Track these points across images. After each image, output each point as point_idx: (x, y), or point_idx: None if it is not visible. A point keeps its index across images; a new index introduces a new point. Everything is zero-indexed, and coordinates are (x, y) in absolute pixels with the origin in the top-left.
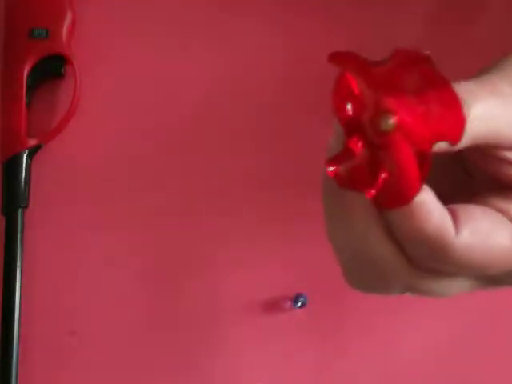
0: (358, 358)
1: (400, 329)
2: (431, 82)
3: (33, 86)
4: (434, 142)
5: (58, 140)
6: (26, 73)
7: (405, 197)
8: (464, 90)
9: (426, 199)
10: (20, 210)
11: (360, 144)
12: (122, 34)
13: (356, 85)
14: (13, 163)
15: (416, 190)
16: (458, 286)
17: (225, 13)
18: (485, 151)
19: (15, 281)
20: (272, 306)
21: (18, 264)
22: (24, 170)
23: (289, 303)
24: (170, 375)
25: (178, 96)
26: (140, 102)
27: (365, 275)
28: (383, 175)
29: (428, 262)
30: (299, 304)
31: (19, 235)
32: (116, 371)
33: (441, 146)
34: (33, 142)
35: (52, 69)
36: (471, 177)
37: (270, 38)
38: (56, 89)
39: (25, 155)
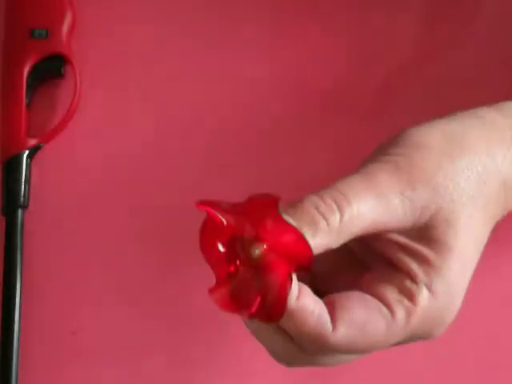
0: (358, 358)
1: None
2: (276, 219)
3: (33, 86)
4: (293, 266)
5: (57, 140)
6: (25, 73)
7: (278, 312)
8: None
9: (304, 303)
10: (20, 210)
11: (234, 270)
12: (122, 34)
13: (224, 224)
14: (13, 163)
15: (285, 306)
16: (346, 359)
17: (225, 17)
18: (372, 236)
19: (15, 281)
20: None
21: (18, 264)
22: (24, 170)
23: None
24: (170, 375)
25: (178, 96)
26: (140, 102)
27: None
28: (260, 296)
29: (313, 351)
30: None
31: (19, 235)
32: (116, 371)
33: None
34: (33, 142)
35: (52, 69)
36: (364, 253)
37: (272, 40)
38: (56, 89)
39: (25, 155)
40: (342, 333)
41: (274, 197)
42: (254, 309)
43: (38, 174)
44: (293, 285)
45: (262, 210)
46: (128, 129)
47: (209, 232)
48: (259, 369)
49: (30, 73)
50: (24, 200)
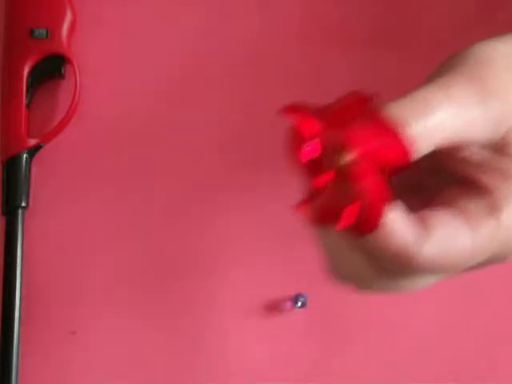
0: (358, 358)
1: (400, 329)
2: (371, 117)
3: (33, 86)
4: (388, 168)
5: (57, 140)
6: (25, 73)
7: (373, 223)
8: (408, 107)
9: (392, 219)
10: (20, 210)
11: (325, 181)
12: (122, 34)
13: (312, 129)
14: (13, 163)
15: (381, 216)
16: (423, 282)
17: None
18: (448, 151)
19: (15, 281)
20: (272, 306)
21: (18, 264)
22: (24, 170)
23: (289, 303)
24: (171, 375)
25: (178, 95)
26: (140, 102)
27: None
28: (353, 206)
29: (396, 269)
30: (299, 304)
31: (19, 235)
32: (116, 371)
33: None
34: (33, 142)
35: (52, 69)
36: (431, 177)
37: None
38: (56, 89)
39: (25, 155)
40: (431, 247)
41: (365, 96)
42: (347, 219)
43: (37, 174)
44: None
45: (352, 112)
46: (128, 128)
47: (295, 143)
48: (260, 375)
49: (30, 73)
50: (24, 200)
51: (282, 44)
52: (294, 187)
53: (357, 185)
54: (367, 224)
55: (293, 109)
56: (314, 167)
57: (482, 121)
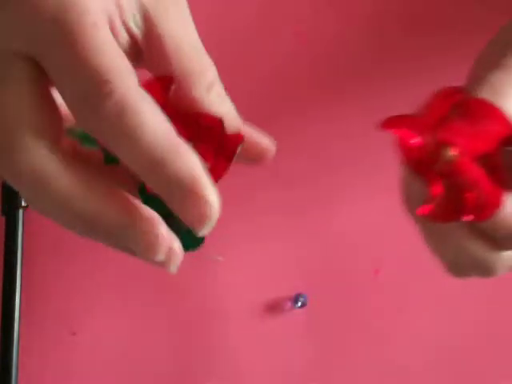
0: (358, 358)
1: (400, 328)
2: (467, 106)
3: None
4: (496, 151)
5: None
6: None
7: (493, 207)
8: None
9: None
10: (20, 210)
11: (440, 182)
12: None
13: (414, 138)
14: None
15: (499, 199)
16: None
17: None
18: None
19: (15, 281)
20: (272, 305)
21: (18, 264)
22: None
23: (289, 303)
24: (171, 375)
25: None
26: None
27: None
28: (470, 197)
29: None
30: (299, 304)
31: (19, 235)
32: (116, 371)
33: None
34: None
35: None
36: None
37: None
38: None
39: None
40: None
41: (452, 89)
42: (469, 211)
43: None
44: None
45: (445, 108)
46: None
47: (405, 156)
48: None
49: None
50: (24, 200)
51: None
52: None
53: (468, 174)
54: (488, 210)
55: (392, 123)
56: (422, 172)
57: None
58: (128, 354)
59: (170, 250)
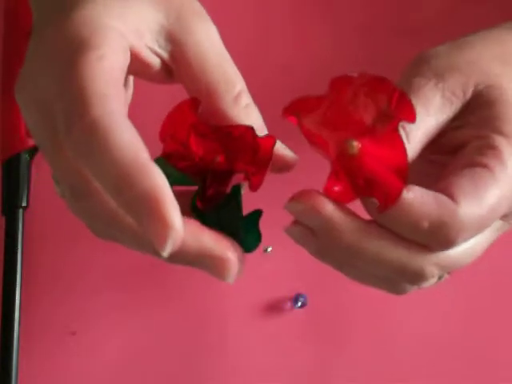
0: (358, 358)
1: (399, 328)
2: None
3: None
4: (397, 139)
5: None
6: None
7: (394, 195)
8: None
9: (417, 192)
10: (20, 210)
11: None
12: None
13: (315, 128)
14: (13, 163)
15: (401, 186)
16: (471, 250)
17: None
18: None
19: (15, 281)
20: (272, 306)
21: (18, 264)
22: (24, 170)
23: (289, 303)
24: (171, 375)
25: (177, 94)
26: (140, 101)
27: None
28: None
29: (441, 240)
30: (299, 304)
31: (19, 235)
32: (116, 371)
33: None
34: (33, 142)
35: None
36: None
37: None
38: None
39: (25, 155)
40: (464, 202)
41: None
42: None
43: (37, 174)
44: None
45: (348, 100)
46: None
47: (308, 139)
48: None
49: None
50: (24, 200)
51: None
52: (291, 187)
53: (369, 171)
54: (388, 200)
55: (294, 109)
56: (328, 154)
57: (446, 102)
58: (128, 354)
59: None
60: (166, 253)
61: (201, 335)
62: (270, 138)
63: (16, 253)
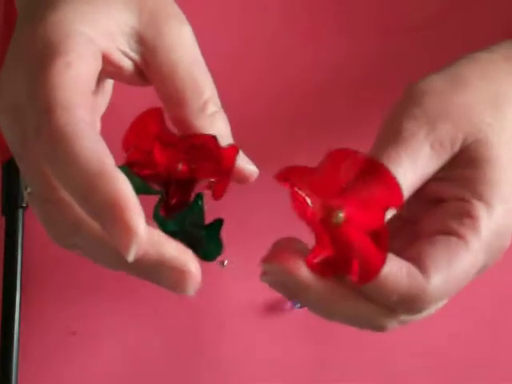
0: (358, 358)
1: (399, 329)
2: (363, 170)
3: None
4: (382, 218)
5: None
6: None
7: (373, 272)
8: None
9: (392, 265)
10: (20, 210)
11: (327, 239)
12: None
13: (304, 194)
14: (13, 163)
15: (381, 264)
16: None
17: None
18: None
19: (15, 281)
20: (272, 306)
21: (18, 264)
22: None
23: (289, 303)
24: (170, 375)
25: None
26: (140, 101)
27: None
28: (355, 261)
29: (410, 309)
30: (299, 304)
31: (19, 235)
32: (116, 372)
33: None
34: None
35: None
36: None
37: None
38: None
39: None
40: (435, 276)
41: (349, 152)
42: (353, 274)
43: None
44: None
45: (340, 171)
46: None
47: (295, 206)
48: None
49: None
50: (24, 200)
51: None
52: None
53: (353, 240)
54: (367, 276)
55: (286, 174)
56: (312, 228)
57: (434, 153)
58: (128, 354)
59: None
60: (130, 257)
61: (201, 335)
62: (233, 148)
63: (16, 253)
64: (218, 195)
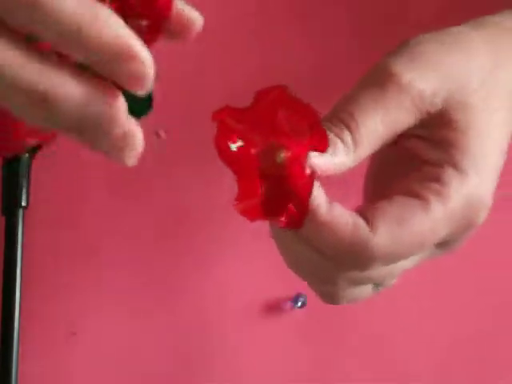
0: (358, 358)
1: (399, 328)
2: (295, 110)
3: None
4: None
5: (57, 140)
6: None
7: (301, 218)
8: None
9: (336, 214)
10: (20, 210)
11: (262, 181)
12: None
13: (239, 133)
14: (13, 163)
15: (306, 213)
16: (387, 273)
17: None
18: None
19: (15, 281)
20: (272, 305)
21: (18, 264)
22: (24, 170)
23: (289, 303)
24: (170, 375)
25: (177, 96)
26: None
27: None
28: (289, 205)
29: (353, 262)
30: (299, 304)
31: (19, 235)
32: (116, 371)
33: None
34: (33, 142)
35: None
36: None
37: None
38: None
39: (25, 155)
40: (382, 231)
41: (282, 89)
42: (284, 216)
43: (37, 174)
44: (319, 191)
45: (274, 110)
46: None
47: (224, 142)
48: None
49: None
50: (24, 200)
51: None
52: None
53: (288, 184)
54: (299, 219)
55: (220, 113)
56: (249, 168)
57: (412, 106)
58: (128, 354)
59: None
60: (141, 92)
61: (200, 335)
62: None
63: (16, 253)
64: (149, 42)
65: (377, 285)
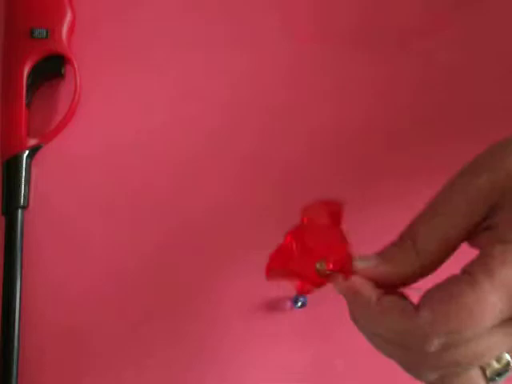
0: (358, 358)
1: None
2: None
3: (33, 86)
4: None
5: (57, 140)
6: (25, 73)
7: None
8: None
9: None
10: (20, 210)
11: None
12: (122, 34)
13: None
14: (13, 163)
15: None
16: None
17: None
18: None
19: (15, 281)
20: (272, 306)
21: (18, 264)
22: (24, 170)
23: (289, 303)
24: (171, 375)
25: (179, 95)
26: (140, 101)
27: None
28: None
29: (414, 345)
30: (299, 304)
31: (19, 235)
32: (116, 370)
33: None
34: (33, 142)
35: (52, 69)
36: None
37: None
38: (56, 89)
39: (25, 155)
40: (425, 310)
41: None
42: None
43: (37, 174)
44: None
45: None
46: (128, 128)
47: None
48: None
49: (30, 73)
50: (24, 200)
51: None
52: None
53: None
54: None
55: (272, 264)
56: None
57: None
58: (128, 354)
59: None
60: None
61: (201, 335)
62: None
63: (16, 253)
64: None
65: (483, 369)
